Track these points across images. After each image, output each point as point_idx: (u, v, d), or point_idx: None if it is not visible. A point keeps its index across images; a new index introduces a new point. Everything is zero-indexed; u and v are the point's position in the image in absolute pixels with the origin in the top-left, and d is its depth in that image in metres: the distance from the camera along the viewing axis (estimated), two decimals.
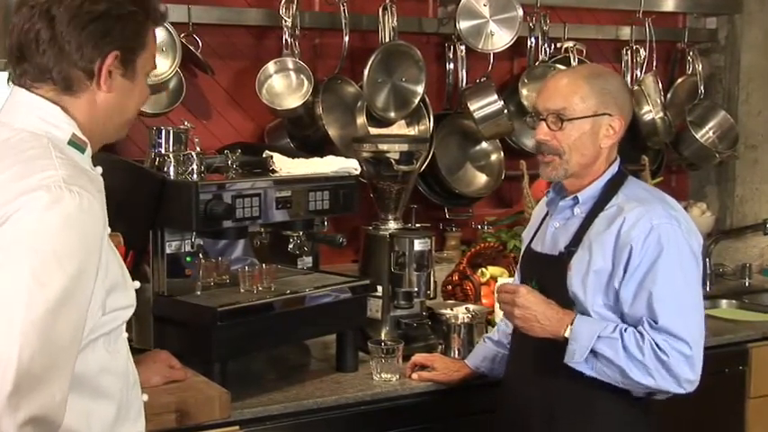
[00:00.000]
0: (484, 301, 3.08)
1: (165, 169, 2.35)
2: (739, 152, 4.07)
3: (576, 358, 2.04)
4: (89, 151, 1.54)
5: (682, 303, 2.04)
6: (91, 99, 1.51)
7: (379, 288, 2.70)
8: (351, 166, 2.61)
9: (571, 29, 3.72)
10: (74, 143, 1.50)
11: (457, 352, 2.66)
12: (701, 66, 3.96)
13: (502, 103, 3.39)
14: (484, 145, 3.57)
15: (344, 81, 3.24)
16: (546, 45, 3.58)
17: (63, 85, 1.49)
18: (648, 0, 3.80)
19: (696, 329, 2.05)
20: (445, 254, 3.47)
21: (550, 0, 3.64)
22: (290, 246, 2.56)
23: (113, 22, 1.48)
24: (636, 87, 3.78)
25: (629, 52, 3.81)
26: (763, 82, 4.11)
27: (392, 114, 3.25)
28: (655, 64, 3.82)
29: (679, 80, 4.00)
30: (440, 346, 2.70)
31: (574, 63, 3.57)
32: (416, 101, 3.27)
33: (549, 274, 2.16)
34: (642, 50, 3.80)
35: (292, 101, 3.07)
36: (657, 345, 2.00)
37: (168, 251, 2.39)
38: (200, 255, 2.44)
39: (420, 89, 3.27)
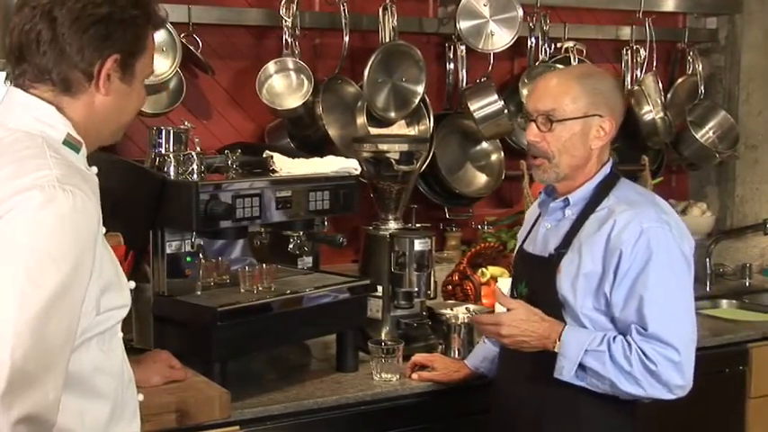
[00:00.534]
0: (484, 301, 3.08)
1: (166, 169, 2.35)
2: (739, 152, 4.07)
3: (564, 374, 2.03)
4: (84, 151, 1.54)
5: (672, 308, 2.02)
6: (89, 101, 1.52)
7: (380, 288, 2.70)
8: (351, 166, 2.61)
9: (571, 29, 3.72)
10: (69, 143, 1.50)
11: (457, 352, 2.66)
12: (701, 66, 3.96)
13: (502, 103, 3.39)
14: (484, 145, 3.57)
15: (345, 81, 3.24)
16: (546, 45, 3.58)
17: (62, 86, 1.49)
18: (648, 0, 3.80)
19: (686, 335, 2.03)
20: (445, 254, 3.47)
21: (550, 0, 3.64)
22: (291, 246, 2.56)
23: (115, 26, 1.49)
24: (636, 87, 3.78)
25: (629, 52, 3.81)
26: (763, 82, 4.11)
27: (392, 114, 3.25)
28: (655, 64, 3.82)
29: (679, 80, 4.00)
30: (440, 346, 2.70)
31: (574, 63, 3.57)
32: (416, 101, 3.27)
33: (538, 276, 2.16)
34: (642, 50, 3.80)
35: (292, 101, 3.07)
36: (645, 354, 1.98)
37: (168, 251, 2.39)
38: (201, 255, 2.44)
39: (420, 89, 3.27)
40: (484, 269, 3.21)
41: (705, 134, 4.02)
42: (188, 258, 2.44)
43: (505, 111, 3.40)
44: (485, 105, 3.39)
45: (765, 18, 4.09)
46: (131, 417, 1.61)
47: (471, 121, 3.42)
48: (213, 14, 3.06)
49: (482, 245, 3.31)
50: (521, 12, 3.37)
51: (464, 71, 3.39)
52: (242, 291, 2.42)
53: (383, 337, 2.70)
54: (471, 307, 2.80)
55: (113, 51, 1.49)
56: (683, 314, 2.04)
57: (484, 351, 2.48)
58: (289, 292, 2.43)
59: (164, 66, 2.84)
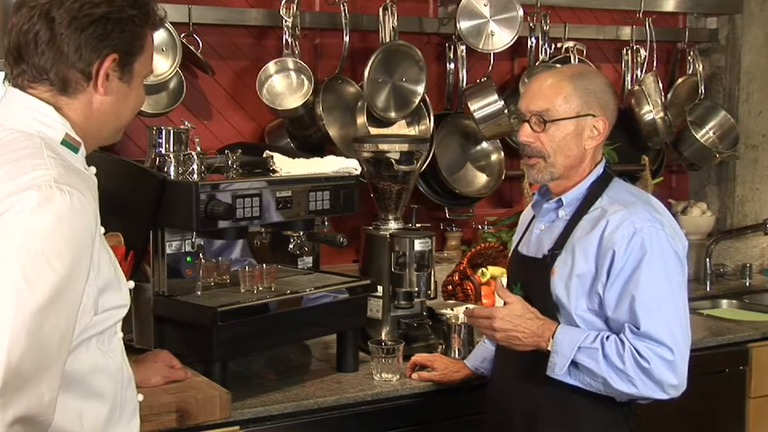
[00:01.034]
0: (484, 301, 3.08)
1: (166, 169, 2.35)
2: (740, 152, 4.07)
3: (556, 371, 2.03)
4: (83, 151, 1.54)
5: (664, 308, 2.01)
6: (87, 101, 1.52)
7: (380, 288, 2.70)
8: (351, 166, 2.61)
9: (571, 29, 3.72)
10: (67, 143, 1.50)
11: (457, 352, 2.66)
12: (701, 66, 3.96)
13: (502, 103, 3.39)
14: (484, 145, 3.58)
15: (345, 81, 3.24)
16: (546, 45, 3.58)
17: (60, 86, 1.49)
18: (649, 0, 3.80)
19: (679, 334, 2.02)
20: (446, 254, 3.47)
21: (551, 0, 3.64)
22: (291, 246, 2.56)
23: (113, 26, 1.49)
24: (636, 87, 3.78)
25: (629, 52, 3.82)
26: (763, 82, 4.12)
27: (392, 114, 3.25)
28: (655, 64, 3.82)
29: (679, 80, 4.00)
30: (440, 347, 2.70)
31: (574, 63, 3.57)
32: (417, 101, 3.27)
33: (533, 278, 2.16)
34: (642, 50, 3.80)
35: (293, 101, 3.07)
36: (639, 352, 1.98)
37: (168, 251, 2.39)
38: (201, 255, 2.44)
39: (420, 89, 3.27)
40: (484, 269, 3.21)
41: (705, 134, 4.02)
42: (188, 258, 2.44)
43: (506, 111, 3.39)
44: (485, 105, 3.39)
45: (766, 18, 4.09)
46: (130, 417, 1.61)
47: (471, 121, 3.43)
48: (213, 14, 3.06)
49: (482, 245, 3.31)
50: (521, 12, 3.37)
51: (464, 71, 3.39)
52: (242, 291, 2.42)
53: (383, 337, 2.70)
54: (471, 307, 2.80)
55: (111, 51, 1.49)
56: (676, 314, 2.03)
57: (484, 351, 2.48)
58: (289, 292, 2.43)
59: (164, 66, 2.84)
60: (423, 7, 3.50)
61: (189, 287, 2.41)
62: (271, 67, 3.08)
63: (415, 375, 2.51)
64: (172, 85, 2.94)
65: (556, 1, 3.68)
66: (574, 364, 2.01)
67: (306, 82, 3.08)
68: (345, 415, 2.39)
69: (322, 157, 2.69)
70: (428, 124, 3.37)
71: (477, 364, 2.48)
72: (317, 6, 3.28)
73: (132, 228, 2.34)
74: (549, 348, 2.03)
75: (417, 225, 2.92)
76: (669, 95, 3.94)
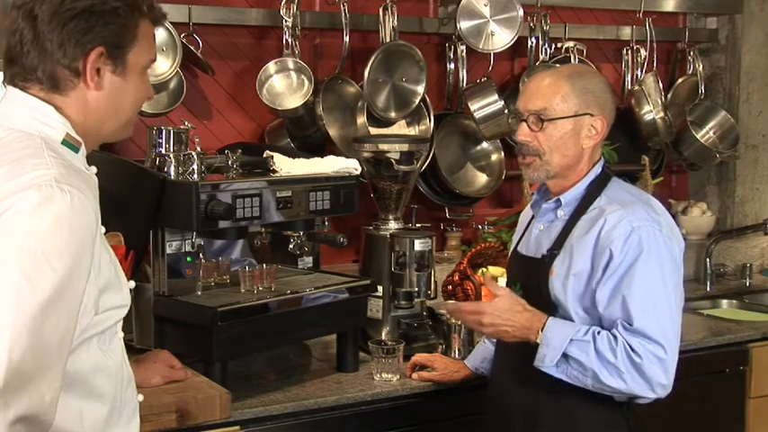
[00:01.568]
0: (484, 301, 3.08)
1: (166, 169, 2.35)
2: (740, 152, 4.07)
3: (546, 362, 2.02)
4: (83, 151, 1.53)
5: (658, 307, 2.01)
6: (81, 97, 1.51)
7: (380, 288, 2.71)
8: (351, 166, 2.61)
9: (571, 29, 3.72)
10: (67, 143, 1.50)
11: (457, 352, 2.67)
12: (701, 66, 3.96)
13: (502, 103, 3.39)
14: (484, 145, 3.58)
15: (345, 81, 3.24)
16: (546, 45, 3.58)
17: (49, 84, 1.49)
18: (649, 0, 3.80)
19: (672, 334, 2.01)
20: (446, 254, 3.47)
21: (551, 0, 3.64)
22: (291, 246, 2.56)
23: (95, 19, 1.47)
24: (636, 87, 3.78)
25: (629, 52, 3.82)
26: (763, 82, 4.12)
27: (392, 114, 3.25)
28: (655, 64, 3.82)
29: (680, 80, 4.01)
30: (440, 347, 2.70)
31: (574, 63, 3.57)
32: (417, 101, 3.27)
33: (532, 278, 2.15)
34: (643, 50, 3.80)
35: (293, 101, 3.07)
36: (631, 346, 1.97)
37: (169, 251, 2.39)
38: (201, 255, 2.44)
39: (420, 89, 3.27)
40: (484, 269, 3.21)
41: (705, 134, 4.02)
42: (188, 258, 2.44)
43: (506, 111, 3.39)
44: (485, 105, 3.39)
45: (766, 18, 4.09)
46: (130, 417, 1.61)
47: (472, 121, 3.43)
48: (213, 14, 3.06)
49: (482, 245, 3.31)
50: (521, 12, 3.37)
51: (464, 71, 3.39)
52: (242, 291, 2.42)
53: (383, 337, 2.70)
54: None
55: (96, 44, 1.48)
56: (669, 314, 2.02)
57: (484, 351, 2.48)
58: (289, 292, 2.43)
59: (164, 66, 2.85)
60: (423, 7, 3.50)
61: (189, 287, 2.41)
62: (271, 67, 3.08)
63: (415, 375, 2.51)
64: (172, 85, 2.94)
65: (556, 1, 3.68)
66: (564, 356, 2.01)
67: (306, 82, 3.08)
68: (345, 415, 2.39)
69: (322, 157, 2.69)
70: (428, 124, 3.37)
71: (477, 363, 2.48)
72: (317, 6, 3.28)
73: (132, 228, 2.34)
74: (537, 341, 2.02)
75: (417, 225, 2.92)
76: (669, 95, 3.94)
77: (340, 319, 2.55)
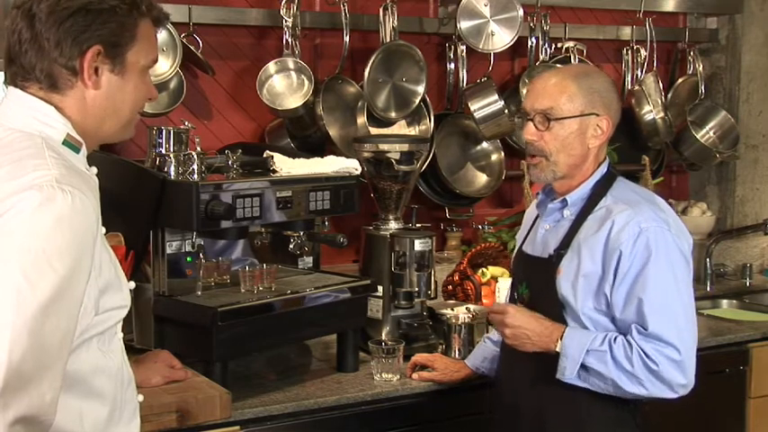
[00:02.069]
0: (484, 301, 3.09)
1: (166, 169, 2.35)
2: (740, 152, 4.07)
3: (566, 374, 2.04)
4: (84, 151, 1.53)
5: (672, 308, 2.02)
6: (79, 97, 1.50)
7: (380, 288, 2.70)
8: (351, 166, 2.61)
9: (572, 29, 3.72)
10: (68, 143, 1.49)
11: (457, 352, 2.67)
12: (701, 66, 3.96)
13: (502, 103, 3.39)
14: (484, 145, 3.58)
15: (345, 81, 3.24)
16: (546, 45, 3.58)
17: (47, 83, 1.48)
18: (649, 0, 3.80)
19: (687, 333, 2.03)
20: (446, 254, 3.47)
21: (551, 0, 3.64)
22: (291, 246, 2.56)
23: (92, 17, 1.47)
24: (636, 87, 3.78)
25: (629, 52, 3.82)
26: (763, 82, 4.12)
27: (393, 114, 3.25)
28: (655, 64, 3.82)
29: (680, 80, 4.01)
30: (440, 347, 2.70)
31: (574, 63, 3.57)
32: (417, 101, 3.27)
33: (538, 277, 2.16)
34: (643, 50, 3.80)
35: (293, 101, 3.07)
36: (646, 353, 1.99)
37: (169, 251, 2.39)
38: (201, 255, 2.44)
39: (421, 89, 3.27)
40: (484, 269, 3.21)
41: (705, 134, 4.02)
42: (188, 258, 2.44)
43: (506, 111, 3.39)
44: (485, 105, 3.39)
45: (766, 18, 4.09)
46: (130, 417, 1.61)
47: (472, 121, 3.43)
48: (213, 14, 3.06)
49: (482, 245, 3.31)
50: (521, 12, 3.37)
51: (464, 71, 3.39)
52: (242, 291, 2.42)
53: (383, 337, 2.70)
54: (472, 307, 2.80)
55: (94, 43, 1.47)
56: (683, 313, 2.04)
57: (484, 351, 2.48)
58: (289, 292, 2.43)
59: (164, 66, 2.84)
60: (423, 7, 3.50)
61: (189, 287, 2.41)
62: (271, 67, 3.08)
63: (415, 375, 2.51)
64: (172, 85, 2.94)
65: (556, 1, 3.68)
66: (583, 366, 2.02)
67: (306, 82, 3.08)
68: (345, 415, 2.39)
69: (322, 157, 2.69)
70: (428, 124, 3.37)
71: (477, 363, 2.48)
72: (318, 6, 3.28)
73: (132, 228, 2.34)
74: (557, 350, 2.04)
75: (417, 225, 2.92)
76: (669, 95, 3.94)
77: (340, 319, 2.55)
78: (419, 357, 2.56)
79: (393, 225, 2.84)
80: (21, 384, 1.30)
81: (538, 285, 2.16)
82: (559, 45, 3.66)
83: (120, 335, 1.59)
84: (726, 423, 3.15)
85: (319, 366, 2.63)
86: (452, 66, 3.46)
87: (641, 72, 3.81)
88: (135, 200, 2.37)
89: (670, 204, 4.00)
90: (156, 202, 2.31)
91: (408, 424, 2.50)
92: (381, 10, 3.18)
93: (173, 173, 2.34)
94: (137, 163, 2.46)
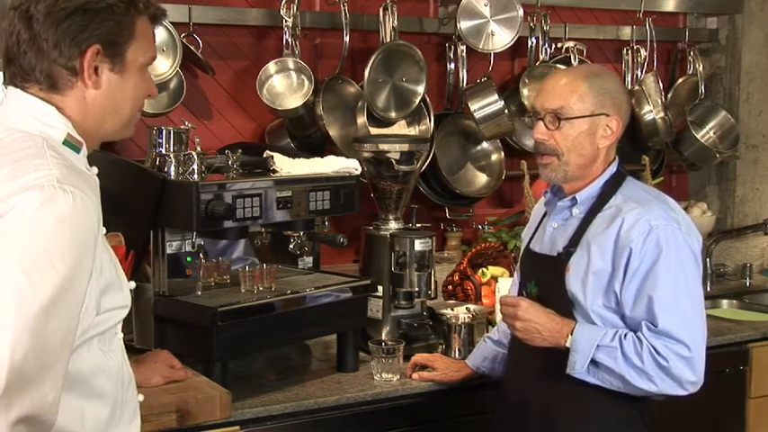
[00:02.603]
0: (484, 301, 3.08)
1: (166, 169, 2.35)
2: (740, 152, 4.07)
3: (577, 369, 2.04)
4: (84, 151, 1.53)
5: (682, 305, 2.03)
6: (80, 97, 1.50)
7: (380, 288, 2.70)
8: (351, 166, 2.61)
9: (572, 29, 3.72)
10: (69, 143, 1.49)
11: (457, 352, 2.67)
12: (701, 66, 3.96)
13: (502, 103, 3.39)
14: (484, 145, 3.58)
15: (345, 81, 3.24)
16: (546, 45, 3.58)
17: (47, 83, 1.48)
18: (649, 0, 3.80)
19: (696, 330, 2.04)
20: (446, 254, 3.47)
21: (551, 0, 3.64)
22: (291, 246, 2.56)
23: (90, 17, 1.47)
24: (636, 87, 3.78)
25: (629, 52, 3.81)
26: (763, 82, 4.11)
27: (393, 114, 3.25)
28: (655, 64, 3.82)
29: (680, 80, 4.01)
30: (440, 347, 2.70)
31: (574, 63, 3.57)
32: (417, 101, 3.27)
33: (547, 275, 2.16)
34: (643, 50, 3.80)
35: (293, 101, 3.07)
36: (656, 350, 2.00)
37: (169, 251, 2.39)
38: (201, 255, 2.44)
39: (421, 89, 3.27)
40: (484, 269, 3.21)
41: (705, 134, 4.02)
42: (188, 258, 2.44)
43: (506, 111, 3.40)
44: (485, 105, 3.39)
45: (766, 18, 4.09)
46: (131, 417, 1.61)
47: (472, 121, 3.43)
48: (213, 14, 3.06)
49: (483, 245, 3.31)
50: (521, 12, 3.37)
51: (464, 71, 3.39)
52: (242, 291, 2.42)
53: (384, 337, 2.70)
54: (472, 307, 2.80)
55: (93, 42, 1.47)
56: (693, 311, 2.05)
57: (484, 351, 2.48)
58: (289, 292, 2.43)
59: (164, 66, 2.84)
60: (423, 7, 3.50)
61: (189, 287, 2.41)
62: (271, 67, 3.08)
63: (415, 375, 2.51)
64: (172, 85, 2.94)
65: (556, 1, 3.68)
66: (593, 362, 2.03)
67: (306, 82, 3.08)
68: (345, 415, 2.39)
69: (322, 157, 2.69)
70: (428, 124, 3.37)
71: (478, 363, 2.48)
72: (318, 6, 3.28)
73: (132, 228, 2.34)
74: (567, 345, 2.04)
75: (417, 225, 2.92)
76: (669, 95, 3.94)
77: (340, 319, 2.55)
78: (419, 357, 2.55)
79: (393, 225, 2.84)
80: (23, 384, 1.30)
81: (547, 283, 2.16)
82: (559, 45, 3.66)
83: (121, 335, 1.59)
84: (726, 423, 3.15)
85: (319, 366, 2.63)
86: (452, 66, 3.46)
87: (641, 72, 3.81)
88: (135, 200, 2.37)
89: None
90: (156, 202, 2.31)
91: (408, 424, 2.50)
92: (381, 10, 3.18)
93: (173, 173, 2.34)
94: (137, 163, 2.46)
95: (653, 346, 2.00)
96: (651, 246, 2.03)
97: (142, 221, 2.36)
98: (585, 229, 2.12)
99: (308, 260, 2.73)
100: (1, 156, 1.43)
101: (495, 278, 3.15)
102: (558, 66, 3.49)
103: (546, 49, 3.58)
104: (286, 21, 3.05)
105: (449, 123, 3.50)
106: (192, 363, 2.29)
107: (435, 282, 2.77)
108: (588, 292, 2.08)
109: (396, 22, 3.19)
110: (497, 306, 2.61)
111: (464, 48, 3.38)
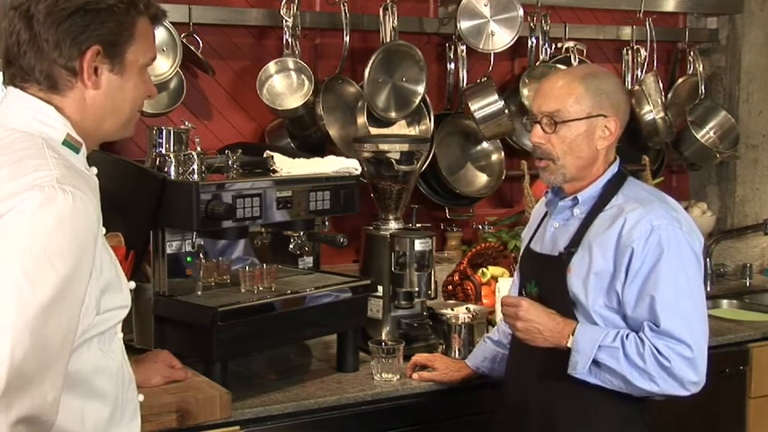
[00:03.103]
0: (484, 301, 3.08)
1: (166, 169, 2.35)
2: (740, 152, 4.07)
3: (578, 369, 2.04)
4: (84, 151, 1.53)
5: (683, 306, 2.03)
6: (79, 97, 1.50)
7: (380, 288, 2.70)
8: (351, 166, 2.61)
9: (572, 29, 3.72)
10: (68, 143, 1.49)
11: (457, 352, 2.67)
12: (701, 66, 3.96)
13: (502, 103, 3.39)
14: (484, 145, 3.58)
15: (345, 81, 3.24)
16: (546, 45, 3.58)
17: (47, 84, 1.48)
18: (649, 0, 3.80)
19: (698, 331, 2.04)
20: (446, 254, 3.47)
21: (551, 0, 3.64)
22: (291, 246, 2.56)
23: (91, 17, 1.47)
24: (636, 87, 3.78)
25: (629, 52, 3.81)
26: (763, 82, 4.11)
27: (393, 114, 3.25)
28: (655, 64, 3.82)
29: (680, 80, 4.00)
30: (440, 347, 2.70)
31: (574, 63, 3.57)
32: (417, 101, 3.27)
33: (548, 275, 2.16)
34: (643, 50, 3.80)
35: (293, 101, 3.07)
36: (658, 350, 1.99)
37: (169, 251, 2.39)
38: (201, 255, 2.44)
39: (421, 89, 3.27)
40: (484, 269, 3.21)
41: (705, 134, 4.02)
42: (188, 258, 2.44)
43: (506, 111, 3.40)
44: (485, 105, 3.39)
45: (766, 18, 4.09)
46: (131, 417, 1.61)
47: (472, 121, 3.43)
48: (213, 14, 3.06)
49: (483, 245, 3.31)
50: (521, 12, 3.37)
51: (464, 71, 3.39)
52: (242, 291, 2.42)
53: (384, 337, 2.70)
54: (472, 307, 2.80)
55: (93, 43, 1.47)
56: (695, 311, 2.05)
57: (484, 351, 2.48)
58: (289, 292, 2.43)
59: (164, 66, 2.84)
60: (423, 7, 3.50)
61: (189, 287, 2.41)
62: (271, 67, 3.08)
63: (415, 375, 2.51)
64: (172, 85, 2.94)
65: (556, 1, 3.68)
66: (594, 362, 2.03)
67: (306, 82, 3.08)
68: (345, 415, 2.39)
69: (322, 157, 2.69)
70: (428, 124, 3.37)
71: (478, 363, 2.48)
72: (318, 6, 3.28)
73: (132, 228, 2.34)
74: (569, 345, 2.04)
75: (417, 225, 2.92)
76: (669, 95, 3.94)
77: (340, 319, 2.55)
78: (419, 357, 2.55)
79: (393, 225, 2.84)
80: (23, 384, 1.30)
81: (547, 283, 2.16)
82: (559, 45, 3.66)
83: (120, 335, 1.59)
84: (726, 423, 3.14)
85: (319, 366, 2.63)
86: (452, 66, 3.46)
87: (641, 72, 3.81)
88: (135, 200, 2.37)
89: None
90: (156, 202, 2.31)
91: (408, 424, 2.50)
92: (381, 10, 3.18)
93: (173, 173, 2.34)
94: (137, 163, 2.46)
95: (655, 347, 2.00)
96: (653, 246, 2.02)
97: (142, 221, 2.36)
98: (587, 229, 2.12)
99: (308, 260, 2.73)
100: (1, 156, 1.43)
101: (495, 278, 3.15)
102: (558, 66, 3.49)
103: (546, 49, 3.58)
104: (286, 21, 3.05)
105: (449, 123, 3.50)
106: (192, 363, 2.29)
107: (435, 282, 2.77)
108: (590, 292, 2.07)
109: (396, 22, 3.19)
110: (497, 306, 2.61)
111: (464, 48, 3.38)
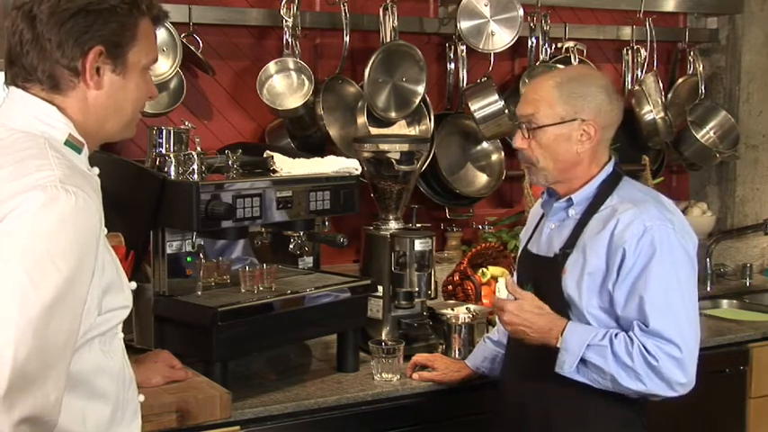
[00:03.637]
0: (484, 301, 3.08)
1: (166, 169, 2.35)
2: (740, 152, 4.07)
3: (565, 368, 2.04)
4: (86, 151, 1.53)
5: (673, 306, 2.02)
6: (81, 97, 1.50)
7: (380, 288, 2.70)
8: (351, 166, 2.61)
9: (572, 29, 3.72)
10: (70, 143, 1.49)
11: (457, 352, 2.67)
12: (701, 66, 3.96)
13: (503, 103, 3.39)
14: (485, 145, 3.58)
15: (345, 81, 3.24)
16: (547, 45, 3.58)
17: (49, 84, 1.49)
18: (649, 0, 3.80)
19: (688, 332, 2.03)
20: (446, 254, 3.47)
21: (551, 0, 3.64)
22: (291, 246, 2.56)
23: (93, 18, 1.47)
24: (636, 87, 3.78)
25: (629, 52, 3.82)
26: (763, 82, 4.12)
27: (393, 114, 3.25)
28: (655, 64, 3.82)
29: (680, 80, 4.01)
30: (440, 347, 2.70)
31: (574, 63, 3.57)
32: (417, 101, 3.27)
33: (544, 276, 2.16)
34: (643, 50, 3.80)
35: (293, 101, 3.07)
36: (647, 349, 1.99)
37: (169, 251, 2.39)
38: (201, 255, 2.44)
39: (421, 89, 3.27)
40: (484, 269, 3.21)
41: (706, 134, 4.02)
42: (188, 258, 2.44)
43: (506, 111, 3.39)
44: (485, 105, 3.39)
45: (766, 18, 4.09)
46: (132, 417, 1.61)
47: (472, 121, 3.43)
48: (213, 14, 3.06)
49: (483, 245, 3.31)
50: (521, 12, 3.37)
51: (465, 71, 3.39)
52: (242, 291, 2.42)
53: (384, 337, 2.70)
54: (472, 307, 2.80)
55: (95, 43, 1.47)
56: (685, 312, 2.04)
57: (484, 351, 2.48)
58: (289, 292, 2.43)
59: (164, 66, 2.84)
60: (423, 7, 3.50)
61: (189, 287, 2.41)
62: (271, 67, 3.08)
63: (415, 375, 2.51)
64: (172, 85, 2.94)
65: (556, 1, 3.68)
66: (582, 360, 2.02)
67: (306, 82, 3.08)
68: (346, 415, 2.39)
69: (322, 157, 2.69)
70: (428, 124, 3.37)
71: (477, 363, 2.48)
72: (318, 6, 3.28)
73: (133, 228, 2.34)
74: (557, 345, 2.04)
75: (418, 225, 2.92)
76: (669, 95, 3.94)
77: (340, 319, 2.55)
78: (419, 357, 2.56)
79: (393, 225, 2.84)
80: (25, 384, 1.30)
81: (543, 284, 2.16)
82: (559, 45, 3.66)
83: (121, 335, 1.59)
84: (726, 423, 3.14)
85: (319, 366, 2.63)
86: (452, 66, 3.46)
87: (641, 72, 3.81)
88: (135, 200, 2.37)
89: None
90: (156, 202, 2.31)
91: (408, 424, 2.50)
92: (381, 10, 3.18)
93: (173, 173, 2.34)
94: (137, 163, 2.46)
95: (643, 345, 1.99)
96: (645, 246, 2.02)
97: (142, 221, 2.36)
98: (582, 230, 2.11)
99: (308, 260, 2.73)
100: (3, 156, 1.43)
101: (495, 278, 3.15)
102: (559, 66, 3.49)
103: (546, 49, 3.58)
104: (286, 21, 3.05)
105: (449, 123, 3.50)
106: (192, 363, 2.29)
107: (435, 282, 2.77)
108: (584, 293, 2.07)
109: (396, 22, 3.19)
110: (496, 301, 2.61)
111: (464, 48, 3.38)
